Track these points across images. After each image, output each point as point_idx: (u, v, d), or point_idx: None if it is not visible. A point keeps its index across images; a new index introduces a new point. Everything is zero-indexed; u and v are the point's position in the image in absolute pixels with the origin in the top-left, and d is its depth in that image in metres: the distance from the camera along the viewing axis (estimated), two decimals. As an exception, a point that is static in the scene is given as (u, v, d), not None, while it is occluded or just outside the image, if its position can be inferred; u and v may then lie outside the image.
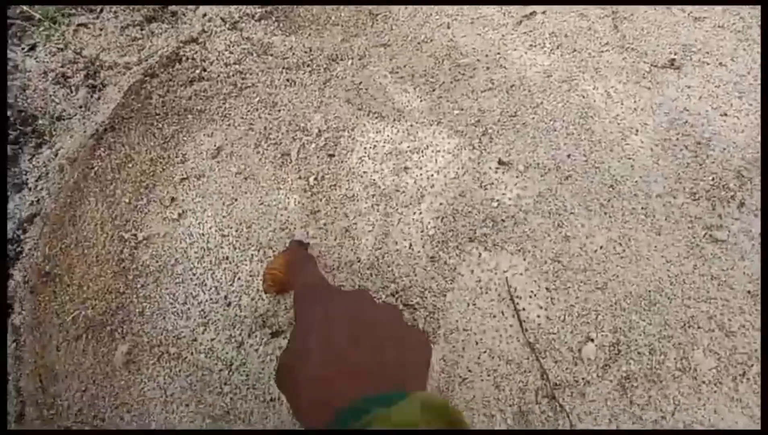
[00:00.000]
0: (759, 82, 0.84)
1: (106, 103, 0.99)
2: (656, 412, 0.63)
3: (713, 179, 0.76)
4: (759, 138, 0.78)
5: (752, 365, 0.64)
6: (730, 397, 0.63)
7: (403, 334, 0.59)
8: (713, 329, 0.66)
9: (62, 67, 1.09)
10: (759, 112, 0.81)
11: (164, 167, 0.85)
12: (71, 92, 1.05)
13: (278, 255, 0.73)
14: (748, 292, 0.68)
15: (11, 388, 0.70)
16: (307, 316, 0.58)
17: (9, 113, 1.04)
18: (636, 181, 0.77)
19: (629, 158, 0.79)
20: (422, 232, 0.76)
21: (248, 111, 0.91)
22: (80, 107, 1.03)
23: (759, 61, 0.86)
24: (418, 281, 0.72)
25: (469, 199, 0.78)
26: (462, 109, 0.87)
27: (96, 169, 0.85)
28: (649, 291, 0.69)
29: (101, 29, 1.10)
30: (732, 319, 0.66)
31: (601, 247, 0.72)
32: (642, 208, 0.75)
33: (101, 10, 1.13)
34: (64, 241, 0.79)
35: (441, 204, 0.78)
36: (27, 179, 0.95)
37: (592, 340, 0.66)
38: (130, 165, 0.86)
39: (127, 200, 0.82)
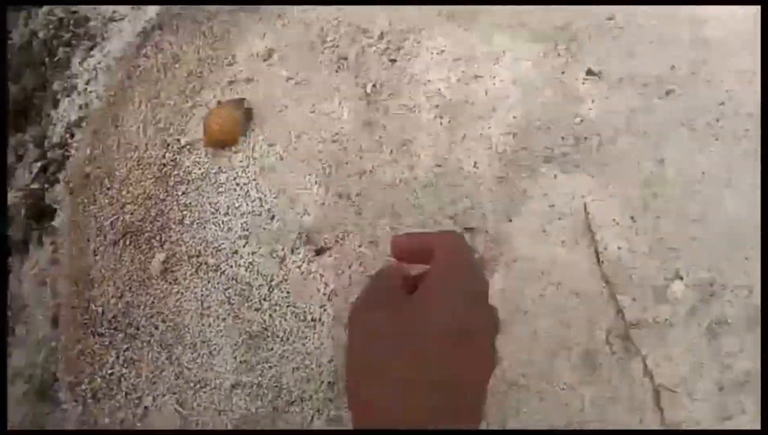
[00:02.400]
0: None
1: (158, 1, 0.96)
2: (750, 361, 0.56)
3: None
4: None
5: None
6: None
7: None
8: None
9: (117, -35, 1.07)
10: None
11: (212, 69, 0.83)
12: (123, -8, 1.03)
13: (221, 105, 0.75)
14: None
15: (48, 291, 0.72)
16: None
17: (62, 15, 1.04)
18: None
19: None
20: (490, 148, 0.70)
21: (304, 9, 0.86)
22: (132, 7, 1.01)
23: None
24: (481, 203, 0.67)
25: (549, 114, 0.71)
26: (547, 11, 0.78)
27: (142, 68, 0.84)
28: (755, 227, 0.61)
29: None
30: None
31: (702, 174, 0.64)
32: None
33: None
34: (106, 142, 0.79)
35: (515, 118, 0.71)
36: (77, 83, 0.96)
37: (681, 278, 0.60)
38: (176, 65, 0.84)
39: (172, 102, 0.80)
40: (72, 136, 0.91)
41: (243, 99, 0.76)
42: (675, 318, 0.59)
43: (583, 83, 0.72)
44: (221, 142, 0.74)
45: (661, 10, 0.75)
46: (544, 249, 0.64)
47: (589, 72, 0.73)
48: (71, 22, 1.03)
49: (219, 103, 0.78)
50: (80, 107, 0.92)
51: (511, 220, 0.66)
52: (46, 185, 0.88)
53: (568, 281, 0.62)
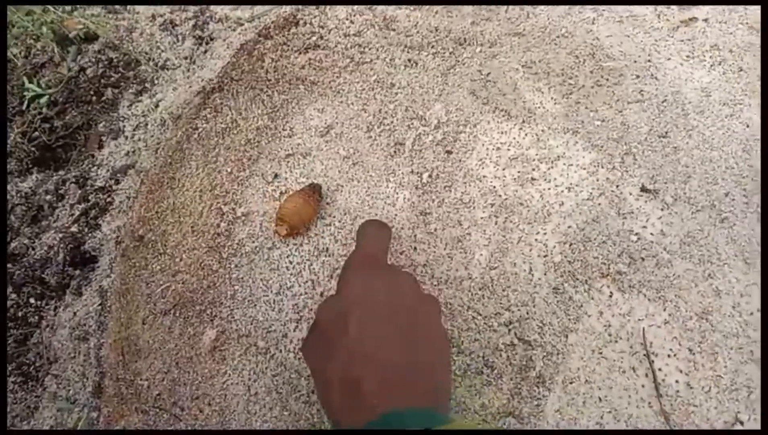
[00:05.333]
0: None
1: (214, 59, 0.94)
2: None
3: None
4: None
5: None
6: None
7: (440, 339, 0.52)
8: None
9: (171, 13, 1.06)
10: None
11: (270, 139, 0.79)
12: (177, 41, 1.02)
13: (292, 194, 0.69)
14: None
15: (92, 356, 0.67)
16: (354, 288, 0.52)
17: (114, 55, 1.02)
18: (807, 238, 0.66)
19: (801, 208, 0.68)
20: (545, 256, 0.67)
21: (363, 89, 0.84)
22: (185, 58, 0.99)
23: None
24: (536, 314, 0.64)
25: (604, 227, 0.68)
26: (603, 121, 0.77)
27: (200, 130, 0.80)
28: (816, 372, 0.59)
29: (214, -22, 1.06)
30: None
31: (758, 310, 0.62)
32: (814, 271, 0.64)
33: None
34: (160, 204, 0.74)
35: (570, 227, 0.69)
36: (124, 127, 0.92)
37: (742, 423, 0.57)
38: (235, 131, 0.80)
39: (228, 170, 0.77)
40: (117, 182, 0.88)
41: (319, 186, 0.71)
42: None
43: (637, 199, 0.71)
44: (296, 233, 0.70)
45: (711, 130, 0.75)
46: (601, 372, 0.60)
47: (644, 189, 0.72)
48: (121, 63, 1.01)
49: (294, 192, 0.72)
50: (127, 154, 0.89)
51: (567, 337, 0.63)
52: (86, 230, 0.85)
53: (626, 411, 0.58)
